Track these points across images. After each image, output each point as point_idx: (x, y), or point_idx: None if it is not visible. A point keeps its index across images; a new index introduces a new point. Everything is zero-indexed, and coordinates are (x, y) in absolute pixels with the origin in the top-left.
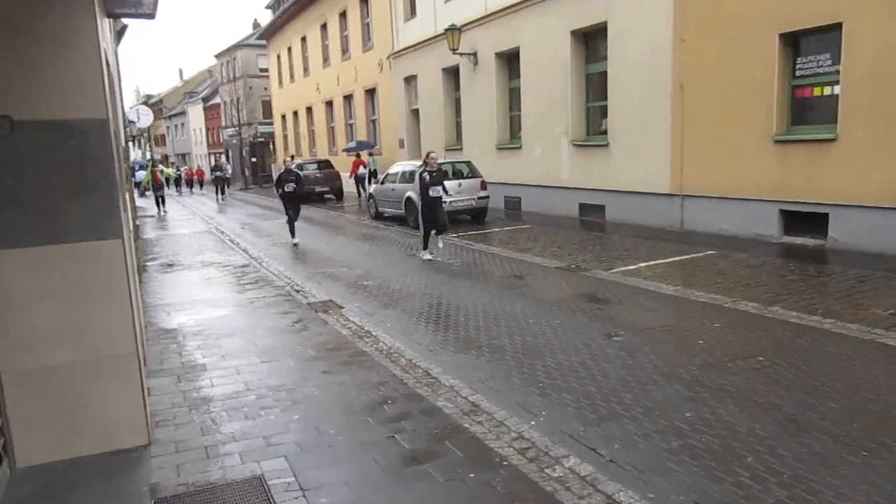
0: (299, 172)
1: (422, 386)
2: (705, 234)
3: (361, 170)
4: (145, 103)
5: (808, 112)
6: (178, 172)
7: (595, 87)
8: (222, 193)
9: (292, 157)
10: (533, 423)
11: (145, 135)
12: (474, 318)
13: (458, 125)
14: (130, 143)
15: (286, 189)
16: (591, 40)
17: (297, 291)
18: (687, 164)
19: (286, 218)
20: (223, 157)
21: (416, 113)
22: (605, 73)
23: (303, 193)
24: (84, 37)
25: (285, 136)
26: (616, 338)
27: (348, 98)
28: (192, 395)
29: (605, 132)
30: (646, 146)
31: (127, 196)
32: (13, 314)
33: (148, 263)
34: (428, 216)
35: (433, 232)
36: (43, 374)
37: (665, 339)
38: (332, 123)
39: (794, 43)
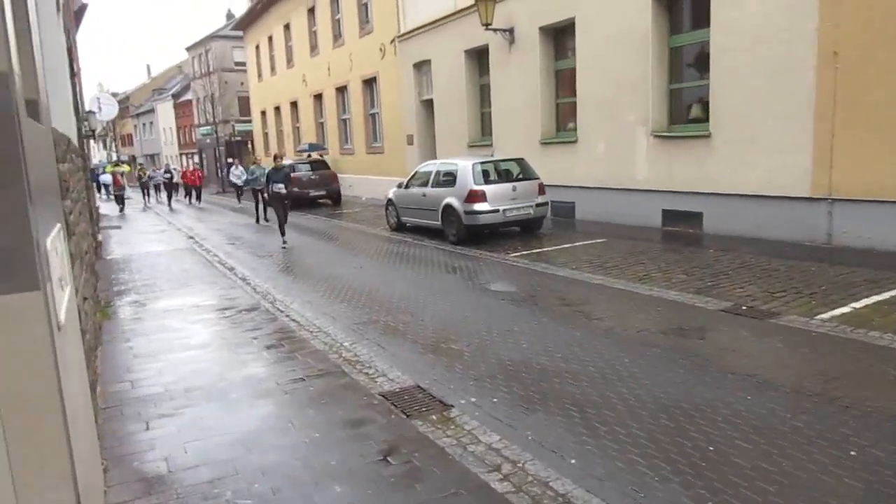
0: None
1: None
2: (866, 250)
3: None
4: None
5: None
6: (168, 175)
7: (683, 64)
8: (280, 220)
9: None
10: None
11: (110, 133)
12: (724, 438)
13: (485, 116)
14: (92, 142)
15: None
16: (679, 4)
17: (353, 364)
18: (840, 157)
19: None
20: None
21: (428, 104)
22: (701, 44)
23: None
24: None
25: (266, 134)
26: None
27: (341, 90)
28: None
29: (700, 119)
30: (771, 135)
31: (80, 214)
32: None
33: (115, 301)
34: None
35: None
36: None
37: None
38: (322, 119)
39: None
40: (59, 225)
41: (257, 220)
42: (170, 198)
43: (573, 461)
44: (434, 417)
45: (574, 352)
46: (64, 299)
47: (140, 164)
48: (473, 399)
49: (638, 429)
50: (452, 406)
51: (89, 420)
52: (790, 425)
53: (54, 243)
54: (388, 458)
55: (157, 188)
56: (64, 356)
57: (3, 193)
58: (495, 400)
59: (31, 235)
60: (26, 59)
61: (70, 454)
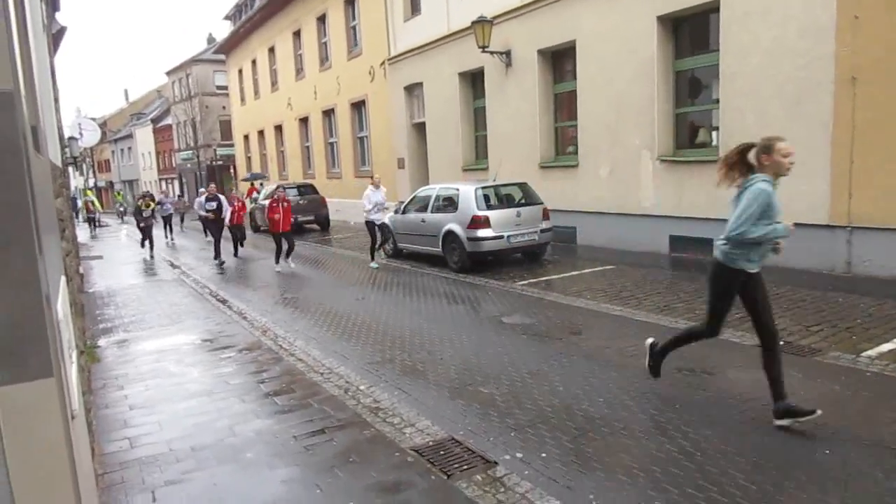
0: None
1: None
2: (889, 280)
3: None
4: None
5: None
6: (214, 203)
7: (690, 88)
8: None
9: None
10: None
11: (88, 159)
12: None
13: (480, 140)
14: (71, 168)
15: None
16: (685, 28)
17: (374, 412)
18: (860, 185)
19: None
20: None
21: (420, 127)
22: (709, 68)
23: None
24: None
25: (248, 159)
26: None
27: (328, 113)
28: None
29: (707, 145)
30: None
31: (66, 247)
32: None
33: (101, 340)
34: None
35: None
36: None
37: None
38: (308, 143)
39: None
40: (63, 279)
41: None
42: (218, 249)
43: None
44: (479, 478)
45: (617, 396)
46: (74, 374)
47: (144, 193)
48: (519, 454)
49: (718, 493)
50: (496, 463)
51: (94, 500)
52: (889, 488)
53: (63, 306)
54: None
55: (167, 223)
56: (78, 448)
57: (11, 251)
58: (544, 455)
59: (41, 304)
60: (29, 82)
61: None
